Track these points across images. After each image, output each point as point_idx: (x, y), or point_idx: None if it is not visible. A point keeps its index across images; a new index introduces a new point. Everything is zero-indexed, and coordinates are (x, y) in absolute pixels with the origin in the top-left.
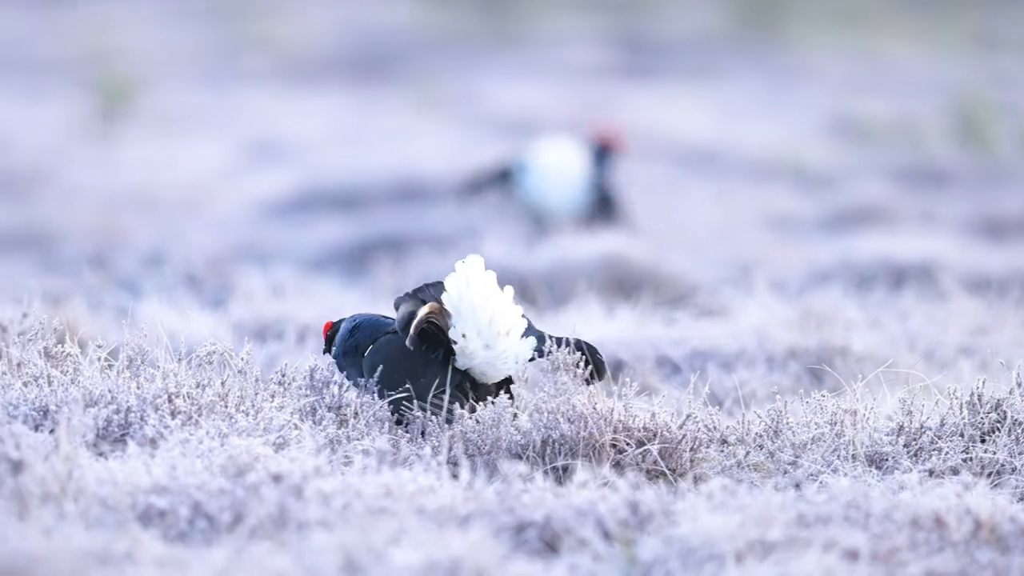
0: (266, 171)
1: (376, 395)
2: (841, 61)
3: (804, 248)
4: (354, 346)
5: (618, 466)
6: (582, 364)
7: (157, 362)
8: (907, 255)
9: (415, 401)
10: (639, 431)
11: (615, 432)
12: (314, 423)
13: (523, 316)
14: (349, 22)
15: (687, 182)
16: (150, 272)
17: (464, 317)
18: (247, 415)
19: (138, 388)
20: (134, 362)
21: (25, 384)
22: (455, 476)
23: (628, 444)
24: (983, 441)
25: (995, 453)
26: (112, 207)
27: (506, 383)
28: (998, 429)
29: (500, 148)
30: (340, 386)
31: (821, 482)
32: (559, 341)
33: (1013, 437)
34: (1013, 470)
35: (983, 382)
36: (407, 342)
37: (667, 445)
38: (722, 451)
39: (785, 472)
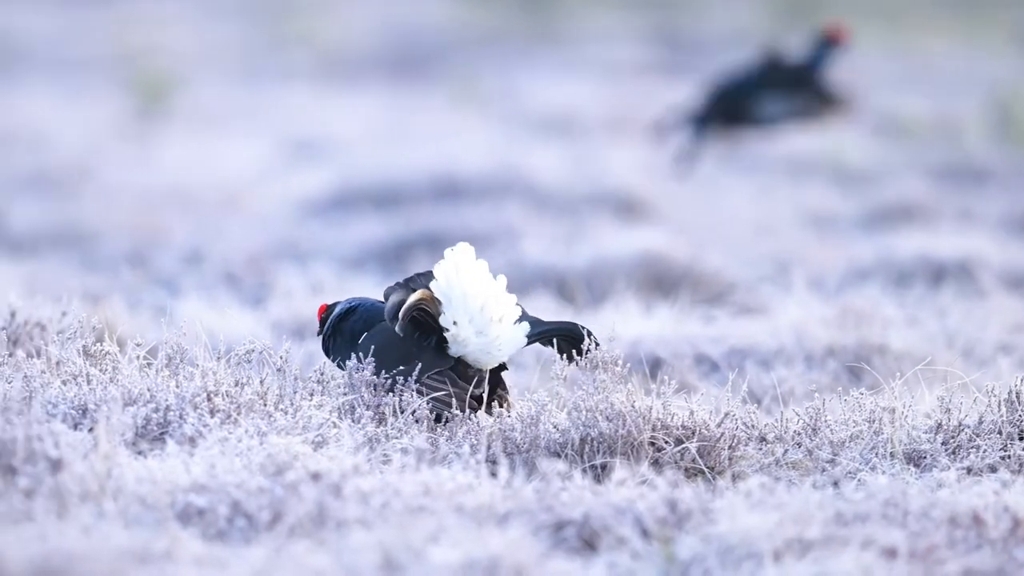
0: (305, 169)
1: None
2: (880, 58)
3: (843, 246)
4: (350, 330)
5: (656, 464)
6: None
7: (196, 360)
8: (946, 252)
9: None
10: (677, 429)
11: (653, 430)
12: (353, 421)
13: (517, 304)
14: (388, 19)
15: (726, 179)
16: (189, 270)
17: (455, 304)
18: (286, 413)
19: (177, 387)
20: (173, 360)
21: (64, 383)
22: (494, 474)
23: (666, 442)
24: (1021, 439)
25: None
26: (151, 205)
27: (500, 370)
28: None
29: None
30: (378, 386)
31: (859, 480)
32: (554, 324)
33: None
34: None
35: (1022, 380)
36: (396, 328)
37: (705, 443)
38: (760, 449)
39: (823, 470)
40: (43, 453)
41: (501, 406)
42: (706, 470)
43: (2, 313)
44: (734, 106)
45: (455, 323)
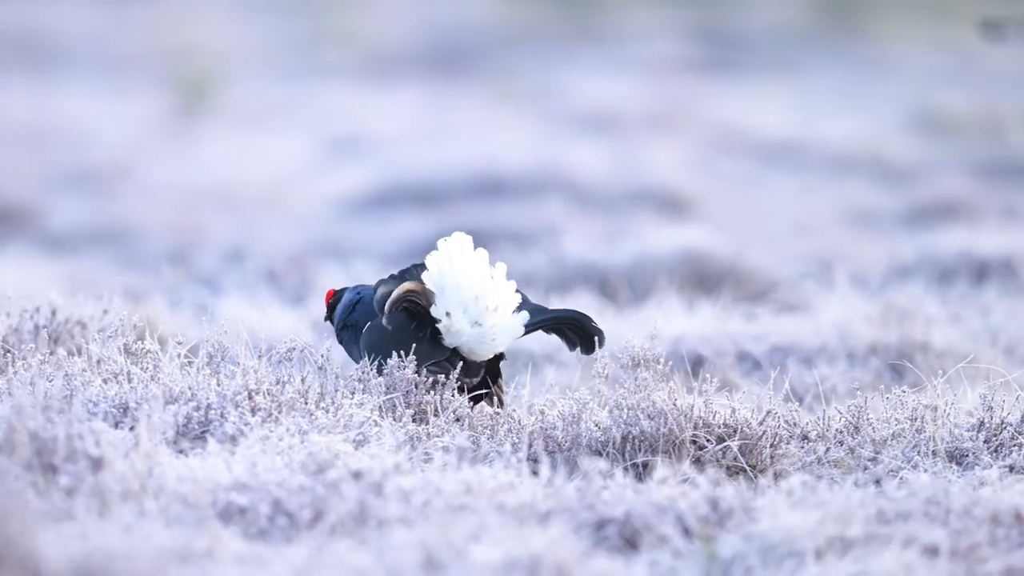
0: (346, 167)
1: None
2: (923, 54)
3: (885, 243)
4: (355, 322)
5: (698, 462)
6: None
7: (237, 359)
8: (989, 250)
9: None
10: (719, 427)
11: (695, 428)
12: (394, 420)
13: (517, 291)
14: (429, 16)
15: (767, 177)
16: (230, 269)
17: (448, 295)
18: (327, 412)
19: (218, 385)
20: (214, 359)
21: (105, 381)
22: (535, 473)
23: (708, 440)
24: None
25: None
26: (192, 204)
27: (498, 360)
28: None
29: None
30: (419, 384)
31: (901, 478)
32: (556, 313)
33: None
34: None
35: None
36: (384, 321)
37: (747, 441)
38: (802, 447)
39: (865, 468)
40: (84, 452)
41: (496, 398)
42: (748, 468)
43: (43, 311)
44: None
45: (448, 314)
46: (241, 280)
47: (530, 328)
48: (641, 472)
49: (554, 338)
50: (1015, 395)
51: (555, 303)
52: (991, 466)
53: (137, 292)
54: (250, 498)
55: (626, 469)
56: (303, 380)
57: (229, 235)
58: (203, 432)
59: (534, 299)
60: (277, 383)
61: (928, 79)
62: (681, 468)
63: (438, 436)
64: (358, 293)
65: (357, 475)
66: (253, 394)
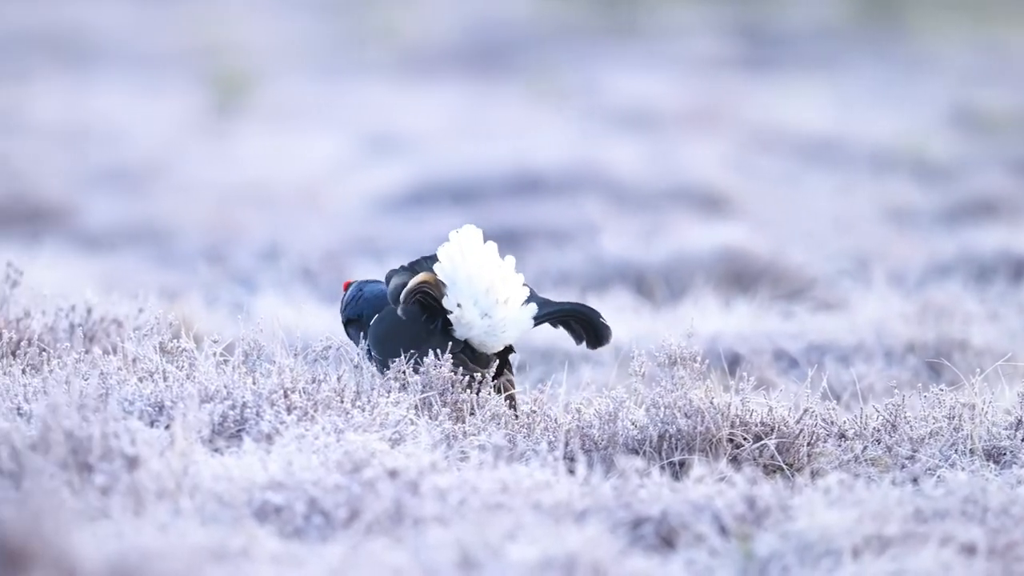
0: (382, 165)
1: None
2: (963, 51)
3: (924, 241)
4: (357, 315)
5: (735, 461)
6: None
7: (273, 357)
8: None
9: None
10: (756, 426)
11: (732, 427)
12: (430, 418)
13: (524, 284)
14: (467, 14)
15: (806, 174)
16: (266, 267)
17: (459, 287)
18: (363, 410)
19: (254, 383)
20: (250, 357)
21: (140, 379)
22: (571, 471)
23: (745, 439)
24: None
25: None
26: (227, 202)
27: (506, 352)
28: None
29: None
30: (455, 383)
31: (938, 477)
32: (563, 305)
33: None
34: None
35: None
36: (399, 311)
37: (784, 440)
38: (839, 446)
39: (902, 467)
40: (119, 450)
41: (506, 391)
42: (785, 467)
43: (79, 310)
44: None
45: (459, 305)
46: (277, 278)
47: (539, 320)
48: (678, 471)
49: None
50: None
51: (592, 302)
52: None
53: (173, 290)
54: (286, 497)
55: (662, 468)
56: (339, 378)
57: (265, 233)
58: (239, 431)
59: (572, 298)
60: (313, 381)
61: (967, 77)
62: (718, 467)
63: (474, 435)
64: (360, 288)
65: (393, 474)
66: (289, 392)
